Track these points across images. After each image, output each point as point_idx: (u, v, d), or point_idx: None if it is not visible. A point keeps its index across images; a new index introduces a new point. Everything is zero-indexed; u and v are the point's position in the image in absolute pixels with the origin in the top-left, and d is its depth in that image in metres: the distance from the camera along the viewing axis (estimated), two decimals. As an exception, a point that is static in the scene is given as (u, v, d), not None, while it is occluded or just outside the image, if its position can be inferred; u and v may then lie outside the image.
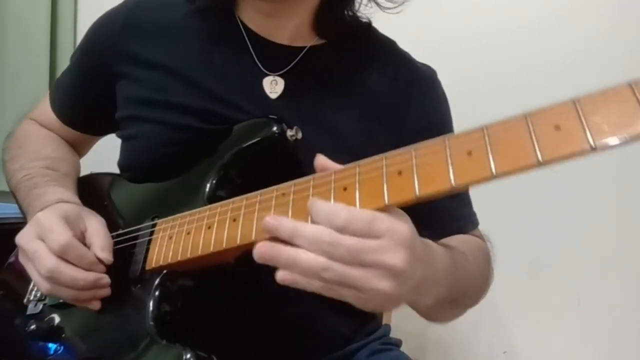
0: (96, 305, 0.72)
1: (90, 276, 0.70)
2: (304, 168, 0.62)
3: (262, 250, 0.53)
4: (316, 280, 0.51)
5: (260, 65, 0.84)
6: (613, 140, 0.40)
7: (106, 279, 0.71)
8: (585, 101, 0.42)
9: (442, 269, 0.59)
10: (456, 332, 1.63)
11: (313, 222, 0.52)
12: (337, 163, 0.58)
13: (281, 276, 0.52)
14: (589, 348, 1.53)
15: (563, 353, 1.55)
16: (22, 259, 0.74)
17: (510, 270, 1.55)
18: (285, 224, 0.53)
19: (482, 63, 1.57)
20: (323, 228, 0.50)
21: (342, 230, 0.50)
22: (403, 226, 0.51)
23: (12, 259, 0.91)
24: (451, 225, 0.85)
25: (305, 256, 0.51)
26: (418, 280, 0.53)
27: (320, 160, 0.58)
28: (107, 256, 0.72)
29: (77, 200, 0.82)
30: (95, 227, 0.75)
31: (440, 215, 0.81)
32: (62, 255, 0.69)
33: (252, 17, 0.86)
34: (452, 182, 0.46)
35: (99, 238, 0.73)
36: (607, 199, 1.50)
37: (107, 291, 0.72)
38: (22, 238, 0.73)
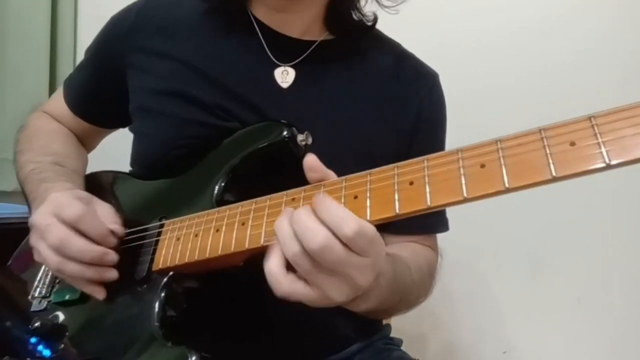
0: (100, 294, 0.72)
1: (99, 248, 0.70)
2: None
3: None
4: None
5: (271, 56, 0.85)
6: (628, 159, 0.40)
7: (113, 255, 0.71)
8: (601, 118, 0.42)
9: (383, 285, 0.62)
10: (456, 332, 1.64)
11: (317, 215, 0.52)
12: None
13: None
14: (589, 348, 1.54)
15: (563, 353, 1.56)
16: (33, 239, 0.74)
17: (511, 270, 1.56)
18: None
19: (482, 63, 1.57)
20: (325, 232, 0.51)
21: (346, 239, 0.50)
22: (383, 249, 0.54)
23: (15, 258, 0.91)
24: (421, 223, 0.85)
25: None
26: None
27: (310, 159, 0.59)
28: (119, 227, 0.74)
29: None
30: (106, 209, 0.77)
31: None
32: (76, 225, 0.70)
33: (263, 11, 0.87)
34: (465, 194, 0.46)
35: (110, 215, 0.75)
36: (607, 199, 1.51)
37: (112, 273, 0.72)
38: (36, 215, 0.74)
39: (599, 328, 1.53)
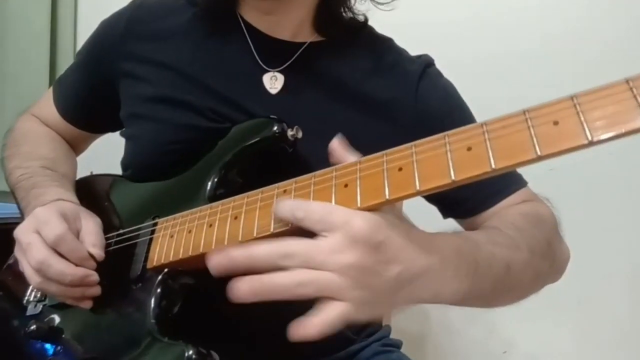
0: (87, 304, 0.73)
1: (79, 271, 0.70)
2: (305, 166, 0.62)
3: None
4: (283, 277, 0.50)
5: (260, 62, 0.85)
6: (610, 135, 0.41)
7: (95, 276, 0.71)
8: (583, 97, 0.43)
9: (446, 257, 0.54)
10: (456, 332, 1.63)
11: (276, 219, 0.54)
12: (330, 159, 0.59)
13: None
14: (589, 348, 1.53)
15: (563, 353, 1.56)
16: (17, 253, 0.74)
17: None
18: (236, 254, 0.52)
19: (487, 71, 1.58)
20: (273, 243, 0.51)
21: (300, 221, 0.51)
22: (358, 221, 0.49)
23: (11, 260, 0.91)
24: (481, 195, 0.82)
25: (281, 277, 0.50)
26: (398, 273, 0.50)
27: (336, 146, 0.59)
28: (98, 252, 0.73)
29: (75, 200, 0.83)
30: (90, 226, 0.76)
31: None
32: (55, 247, 0.70)
33: (252, 15, 0.87)
34: (452, 177, 0.47)
35: (92, 236, 0.74)
36: (607, 198, 1.51)
37: (96, 290, 0.72)
38: (19, 230, 0.74)
39: (598, 328, 1.52)
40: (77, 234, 0.74)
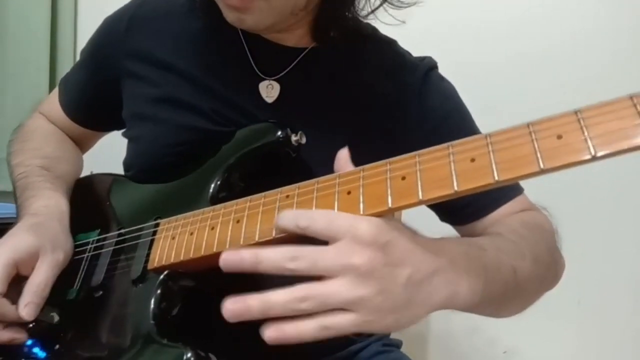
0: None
1: (4, 337, 0.71)
2: (307, 172, 0.62)
3: (230, 309, 0.52)
4: (306, 322, 0.51)
5: (256, 69, 0.84)
6: (613, 151, 0.41)
7: (22, 339, 0.72)
8: (587, 112, 0.43)
9: (455, 259, 0.54)
10: (456, 332, 1.64)
11: (278, 229, 0.55)
12: (334, 166, 0.59)
13: (268, 336, 0.51)
14: (589, 348, 1.54)
15: (563, 353, 1.56)
16: None
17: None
18: (245, 254, 0.53)
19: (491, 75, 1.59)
20: (282, 247, 0.51)
21: (304, 229, 0.51)
22: (363, 224, 0.49)
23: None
24: (480, 202, 0.82)
25: (275, 296, 0.50)
26: (408, 276, 0.50)
27: (342, 155, 0.59)
28: (27, 312, 0.70)
29: (63, 204, 0.82)
30: (38, 275, 0.72)
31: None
32: None
33: None
34: (455, 187, 0.47)
35: (29, 292, 0.71)
36: (607, 198, 1.51)
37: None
38: None
39: (598, 328, 1.53)
40: (31, 272, 0.72)
